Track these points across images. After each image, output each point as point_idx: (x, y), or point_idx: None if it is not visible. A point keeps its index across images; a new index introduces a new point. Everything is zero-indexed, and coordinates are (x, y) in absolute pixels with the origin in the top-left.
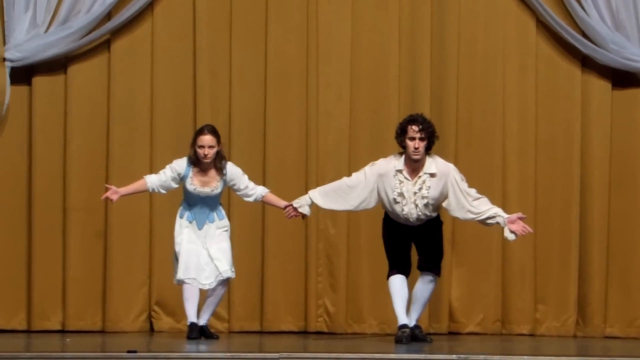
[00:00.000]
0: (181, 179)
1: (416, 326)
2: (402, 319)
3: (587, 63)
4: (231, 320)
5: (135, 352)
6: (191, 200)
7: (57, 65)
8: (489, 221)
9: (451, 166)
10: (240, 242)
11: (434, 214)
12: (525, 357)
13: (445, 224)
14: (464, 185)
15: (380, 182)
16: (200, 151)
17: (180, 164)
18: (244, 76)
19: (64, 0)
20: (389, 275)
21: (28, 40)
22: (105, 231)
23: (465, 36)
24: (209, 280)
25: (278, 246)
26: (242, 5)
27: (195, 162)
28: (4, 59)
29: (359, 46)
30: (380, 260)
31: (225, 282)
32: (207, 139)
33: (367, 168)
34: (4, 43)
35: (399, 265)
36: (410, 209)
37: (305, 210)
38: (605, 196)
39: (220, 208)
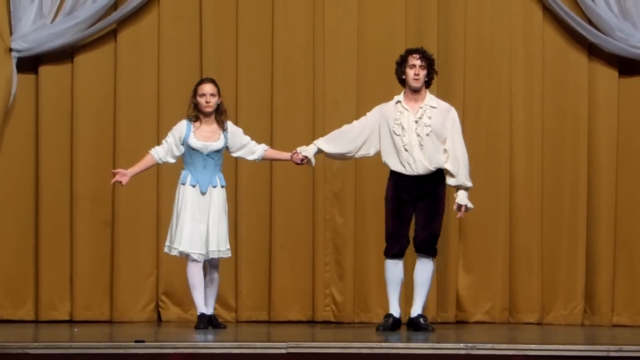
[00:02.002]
0: (182, 143)
1: (420, 315)
2: (391, 307)
3: (593, 51)
4: (239, 309)
5: (143, 341)
6: (193, 162)
7: (63, 55)
8: (449, 181)
9: (452, 107)
10: (247, 231)
11: (439, 162)
12: (532, 345)
13: (452, 211)
14: (459, 128)
15: (382, 118)
16: (201, 100)
17: (180, 126)
18: (250, 66)
19: None
20: (385, 255)
21: (34, 31)
22: (112, 221)
23: (472, 24)
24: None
25: (285, 236)
26: None
27: (196, 117)
28: (11, 49)
29: (366, 35)
30: None
31: (217, 266)
32: (208, 87)
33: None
34: (11, 33)
35: (395, 241)
36: (412, 139)
37: (310, 154)
38: (613, 184)
39: (221, 174)
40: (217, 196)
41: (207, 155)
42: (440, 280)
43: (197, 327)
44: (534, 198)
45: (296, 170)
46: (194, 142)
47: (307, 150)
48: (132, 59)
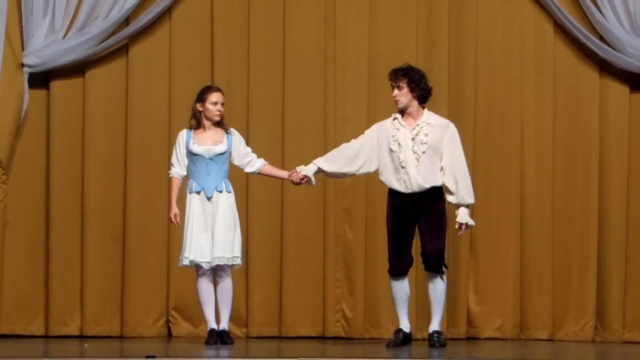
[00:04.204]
0: (186, 148)
1: (435, 332)
2: (401, 323)
3: (605, 67)
4: (249, 325)
5: (153, 357)
6: (197, 169)
7: (75, 70)
8: (449, 199)
9: (451, 123)
10: (258, 246)
11: (434, 181)
12: None
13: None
14: (459, 144)
15: (380, 135)
16: (213, 108)
17: (179, 137)
18: (261, 82)
19: (82, 6)
20: (390, 274)
21: (46, 46)
22: (123, 235)
23: (483, 40)
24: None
25: (296, 251)
26: (259, 11)
27: (198, 123)
28: (23, 65)
29: (377, 51)
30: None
31: (228, 275)
32: (220, 95)
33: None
34: (23, 49)
35: (398, 260)
36: (407, 156)
37: (310, 174)
38: (624, 200)
39: (228, 181)
40: (224, 202)
41: (210, 159)
42: (451, 297)
43: (207, 343)
44: (545, 214)
45: (307, 187)
46: (195, 147)
47: (307, 170)
48: (143, 74)
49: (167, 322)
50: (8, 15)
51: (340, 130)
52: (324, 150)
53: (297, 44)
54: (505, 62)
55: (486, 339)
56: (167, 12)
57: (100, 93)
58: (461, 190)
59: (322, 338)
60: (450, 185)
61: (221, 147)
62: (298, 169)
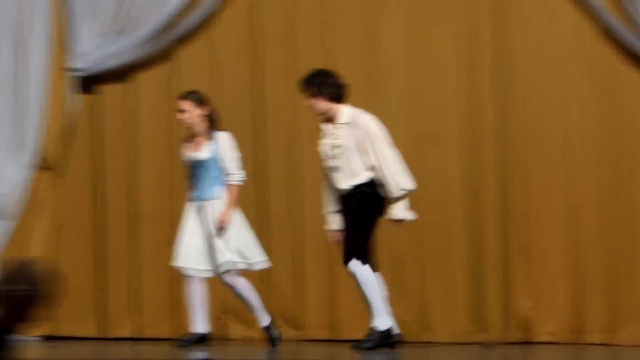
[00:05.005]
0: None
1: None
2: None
3: None
4: (304, 328)
5: None
6: (191, 175)
7: (121, 74)
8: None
9: (368, 116)
10: (312, 250)
11: (358, 179)
12: None
13: (516, 230)
14: (377, 136)
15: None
16: (178, 116)
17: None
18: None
19: (127, 9)
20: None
21: (93, 50)
22: (172, 240)
23: (525, 46)
24: (207, 268)
25: None
26: (302, 18)
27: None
28: (70, 69)
29: (417, 61)
30: (449, 268)
31: (235, 274)
32: (179, 103)
33: None
34: (70, 53)
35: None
36: (329, 162)
37: (338, 224)
38: None
39: (220, 188)
40: (215, 209)
41: (195, 167)
42: (504, 300)
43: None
44: (596, 216)
45: None
46: (183, 155)
47: (335, 224)
48: (188, 78)
49: (219, 324)
50: (56, 19)
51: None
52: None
53: (338, 49)
54: (548, 65)
55: (540, 343)
56: (210, 16)
57: (148, 97)
58: (390, 185)
59: None
60: (383, 181)
61: (201, 155)
62: (329, 230)
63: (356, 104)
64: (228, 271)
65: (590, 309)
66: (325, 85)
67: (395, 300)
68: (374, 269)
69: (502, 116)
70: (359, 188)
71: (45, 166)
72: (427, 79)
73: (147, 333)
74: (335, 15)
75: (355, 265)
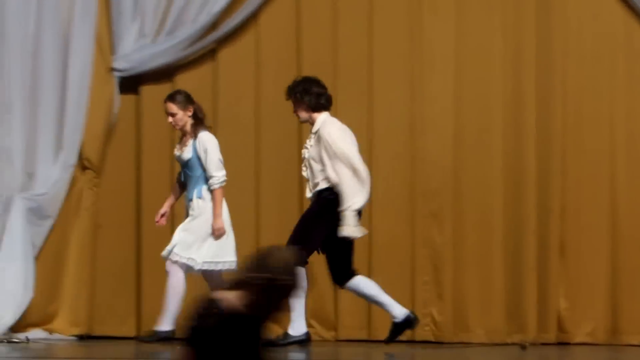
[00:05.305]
0: None
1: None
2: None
3: None
4: (339, 328)
5: None
6: (182, 175)
7: (164, 74)
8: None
9: (334, 128)
10: None
11: (322, 185)
12: None
13: (554, 230)
14: (330, 150)
15: None
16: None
17: None
18: (348, 88)
19: (170, 10)
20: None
21: (135, 50)
22: None
23: (571, 43)
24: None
25: (384, 254)
26: (346, 16)
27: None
28: (113, 69)
29: (463, 57)
30: (485, 268)
31: (177, 266)
32: (166, 106)
33: None
34: (113, 53)
35: None
36: (304, 172)
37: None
38: None
39: (203, 187)
40: (196, 209)
41: (182, 166)
42: (541, 301)
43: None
44: (636, 217)
45: (395, 188)
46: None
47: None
48: (231, 79)
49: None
50: (98, 19)
51: (427, 135)
52: (410, 157)
53: (384, 48)
54: (595, 64)
55: (577, 344)
56: (254, 16)
57: None
58: (341, 202)
59: (412, 342)
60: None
61: (185, 154)
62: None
63: (399, 101)
64: (169, 259)
65: (628, 309)
66: (306, 93)
67: (432, 300)
68: (353, 274)
69: (544, 115)
70: (321, 193)
71: (87, 166)
72: (471, 76)
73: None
74: (379, 14)
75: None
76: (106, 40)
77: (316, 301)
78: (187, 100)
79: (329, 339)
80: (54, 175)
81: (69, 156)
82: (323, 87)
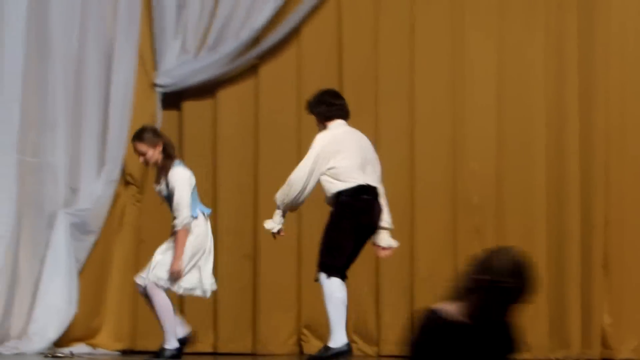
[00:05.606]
0: None
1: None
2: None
3: None
4: (380, 344)
5: None
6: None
7: (206, 90)
8: None
9: (321, 134)
10: (389, 266)
11: (330, 195)
12: None
13: (597, 244)
14: (311, 152)
15: None
16: None
17: None
18: (389, 99)
19: (212, 26)
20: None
21: (178, 66)
22: (254, 254)
23: (614, 49)
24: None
25: (426, 270)
26: (388, 31)
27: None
28: (155, 85)
29: (505, 69)
30: (551, 283)
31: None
32: (135, 146)
33: None
34: (155, 69)
35: None
36: None
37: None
38: None
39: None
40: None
41: (163, 200)
42: (584, 316)
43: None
44: None
45: (436, 203)
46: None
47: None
48: (273, 94)
49: (299, 340)
50: (141, 36)
51: (469, 148)
52: (452, 171)
53: (425, 63)
54: (638, 69)
55: None
56: (295, 31)
57: (231, 113)
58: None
59: None
60: None
61: (162, 190)
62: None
63: (441, 114)
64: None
65: None
66: (318, 104)
67: None
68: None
69: (587, 127)
70: (338, 198)
71: (129, 181)
72: (513, 88)
73: (226, 348)
74: (421, 28)
75: (322, 278)
76: (148, 56)
77: (358, 316)
78: (154, 136)
79: (371, 354)
80: (97, 190)
81: (112, 172)
82: (336, 97)
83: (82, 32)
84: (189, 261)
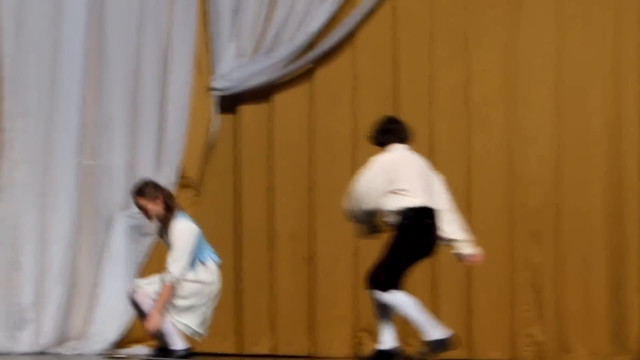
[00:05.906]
0: None
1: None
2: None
3: None
4: None
5: None
6: None
7: (261, 93)
8: None
9: (375, 158)
10: (447, 270)
11: (391, 212)
12: None
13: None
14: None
15: None
16: None
17: None
18: (445, 104)
19: (268, 30)
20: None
21: (234, 70)
22: (311, 257)
23: None
24: None
25: (484, 274)
26: (443, 34)
27: None
28: (211, 88)
29: (563, 74)
30: (588, 286)
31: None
32: (136, 201)
33: None
34: (211, 73)
35: None
36: None
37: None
38: None
39: (196, 261)
40: (201, 272)
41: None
42: (620, 320)
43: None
44: None
45: (494, 208)
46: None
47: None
48: (328, 98)
49: (356, 342)
50: (197, 40)
51: (526, 153)
52: (509, 176)
53: (482, 64)
54: None
55: None
56: (350, 35)
57: (287, 117)
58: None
59: None
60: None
61: (166, 239)
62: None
63: (498, 120)
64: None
65: None
66: (375, 132)
67: (533, 320)
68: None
69: None
70: (390, 218)
71: (186, 184)
72: (571, 93)
73: (284, 350)
74: (477, 32)
75: (378, 294)
76: (205, 60)
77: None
78: (155, 190)
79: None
80: None
81: (169, 174)
82: (392, 122)
83: (139, 37)
84: (188, 298)
